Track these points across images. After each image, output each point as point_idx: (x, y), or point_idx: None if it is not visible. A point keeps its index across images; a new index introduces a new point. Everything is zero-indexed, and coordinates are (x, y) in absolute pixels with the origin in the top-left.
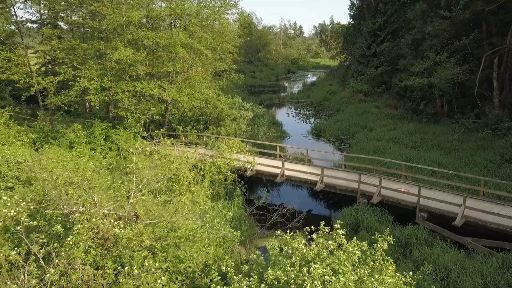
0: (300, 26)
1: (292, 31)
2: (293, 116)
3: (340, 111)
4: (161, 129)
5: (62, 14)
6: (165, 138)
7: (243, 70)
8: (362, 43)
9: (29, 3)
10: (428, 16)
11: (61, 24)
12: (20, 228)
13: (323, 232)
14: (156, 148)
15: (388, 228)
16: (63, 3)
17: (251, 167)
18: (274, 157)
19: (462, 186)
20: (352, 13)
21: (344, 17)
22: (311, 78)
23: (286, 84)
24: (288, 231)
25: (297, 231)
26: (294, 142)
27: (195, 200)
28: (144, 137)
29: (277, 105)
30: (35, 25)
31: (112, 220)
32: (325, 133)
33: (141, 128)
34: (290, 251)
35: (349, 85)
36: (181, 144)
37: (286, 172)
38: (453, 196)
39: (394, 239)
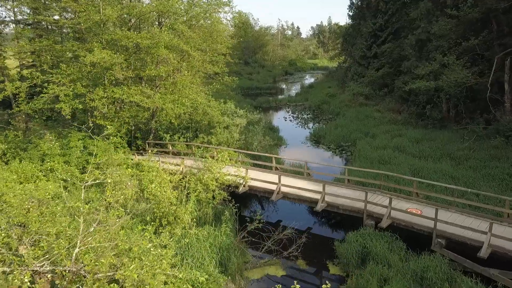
0: (298, 27)
1: (289, 32)
2: (290, 120)
3: (340, 115)
4: (149, 138)
5: (43, 14)
6: (151, 148)
7: (239, 72)
8: (362, 44)
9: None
10: (433, 15)
11: (43, 23)
12: None
13: None
14: (139, 159)
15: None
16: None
17: (244, 183)
18: (270, 170)
19: (483, 207)
20: (351, 13)
21: (341, 18)
22: (309, 79)
23: (284, 86)
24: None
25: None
26: (292, 149)
27: (173, 231)
28: (130, 145)
29: (274, 108)
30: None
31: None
32: (324, 139)
33: (124, 137)
34: None
35: (349, 87)
36: (168, 155)
37: (283, 189)
38: (474, 219)
39: (408, 273)
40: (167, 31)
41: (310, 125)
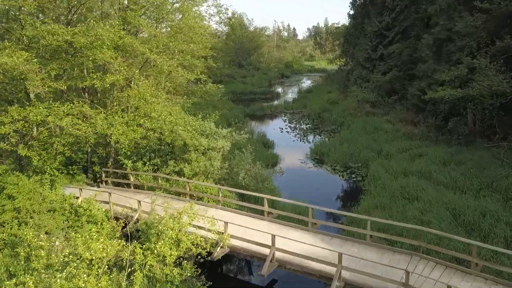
0: (294, 29)
1: (285, 33)
2: (287, 132)
3: (344, 126)
4: (108, 163)
5: None
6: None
7: (232, 75)
8: (367, 44)
9: None
10: (455, 10)
11: None
12: None
13: None
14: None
15: None
16: None
17: (222, 244)
18: (260, 215)
19: None
20: (352, 12)
21: (336, 20)
22: (306, 82)
23: (280, 90)
24: None
25: None
26: (290, 174)
27: None
28: (86, 172)
29: (269, 116)
30: None
31: None
32: (328, 158)
33: (79, 161)
34: None
35: (352, 93)
36: (129, 189)
37: (279, 255)
38: None
39: None
40: (115, 23)
41: (310, 137)
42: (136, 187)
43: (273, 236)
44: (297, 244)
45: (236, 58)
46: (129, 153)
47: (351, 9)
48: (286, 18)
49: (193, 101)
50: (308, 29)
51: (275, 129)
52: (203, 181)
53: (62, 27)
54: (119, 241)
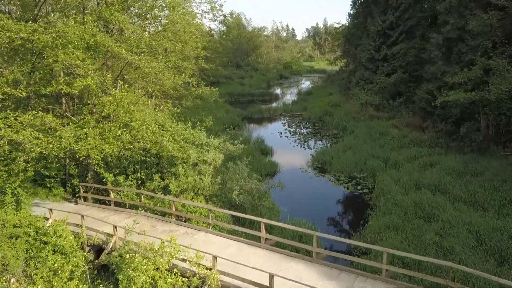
0: (293, 29)
1: (284, 34)
2: (287, 136)
3: (347, 131)
4: (87, 176)
5: None
6: (89, 194)
7: (230, 76)
8: (369, 44)
9: None
10: (466, 8)
11: None
12: None
13: None
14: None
15: None
16: None
17: (209, 282)
18: (257, 242)
19: None
20: (353, 12)
21: (335, 18)
22: (305, 84)
23: (279, 91)
24: None
25: None
26: (290, 181)
27: None
28: (64, 185)
29: (268, 119)
30: None
31: None
32: (331, 166)
33: (27, 189)
34: None
35: (355, 95)
36: (110, 206)
37: None
38: None
39: None
40: (91, 22)
41: (311, 143)
42: (118, 204)
43: (271, 276)
44: (299, 286)
45: (234, 58)
46: (99, 169)
47: (352, 8)
48: (281, 15)
49: (185, 106)
50: (307, 29)
51: (274, 133)
52: (192, 198)
53: (17, 23)
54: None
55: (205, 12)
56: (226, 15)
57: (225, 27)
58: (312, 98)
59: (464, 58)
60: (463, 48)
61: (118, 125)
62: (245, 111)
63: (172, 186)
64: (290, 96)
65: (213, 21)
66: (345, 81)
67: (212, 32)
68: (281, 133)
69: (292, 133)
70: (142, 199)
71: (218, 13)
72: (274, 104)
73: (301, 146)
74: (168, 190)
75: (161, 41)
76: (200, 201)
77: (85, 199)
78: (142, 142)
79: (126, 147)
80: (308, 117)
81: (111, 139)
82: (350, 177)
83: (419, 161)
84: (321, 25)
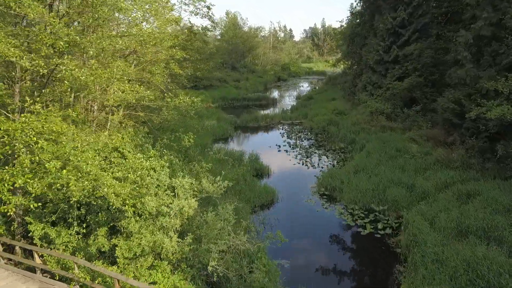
0: (291, 30)
1: (282, 34)
2: (286, 150)
3: (356, 145)
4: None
5: None
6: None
7: (224, 79)
8: (378, 44)
9: None
10: (503, 0)
11: None
12: None
13: None
14: None
15: None
16: None
17: None
18: None
19: None
20: (359, 7)
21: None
22: (304, 86)
23: (276, 95)
24: None
25: None
26: (290, 217)
27: None
28: None
29: (264, 128)
30: None
31: None
32: (341, 194)
33: None
34: None
35: (361, 101)
36: (35, 274)
37: None
38: None
39: None
40: None
41: (315, 159)
42: (46, 271)
43: None
44: None
45: (229, 60)
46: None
47: (357, 5)
48: (274, 9)
49: (160, 120)
50: (305, 30)
51: (271, 146)
52: (152, 264)
53: None
54: None
55: (185, 4)
56: (211, 6)
57: (212, 23)
58: (313, 103)
59: (502, 60)
60: (499, 48)
61: (23, 164)
62: (239, 118)
63: (119, 251)
64: (288, 100)
65: (195, 15)
66: (350, 84)
67: (195, 28)
68: (279, 146)
69: (292, 146)
70: (76, 269)
71: (200, 3)
72: (271, 110)
73: (303, 164)
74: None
75: (95, 36)
76: (163, 270)
77: (9, 260)
78: (65, 190)
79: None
80: (309, 126)
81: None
82: (366, 210)
83: (453, 190)
84: (319, 25)
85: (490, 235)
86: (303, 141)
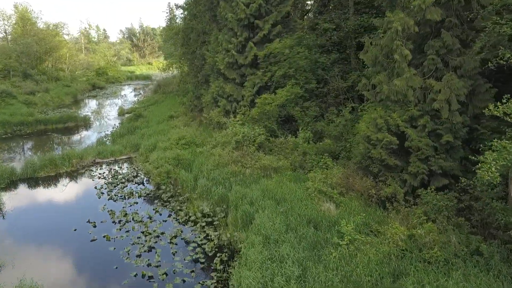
0: (105, 30)
1: (94, 34)
2: (107, 236)
3: (231, 207)
4: None
5: None
6: None
7: (9, 92)
8: (228, 41)
9: None
10: None
11: None
12: None
13: None
14: None
15: None
16: None
17: None
18: None
19: None
20: None
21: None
22: (128, 94)
23: (90, 110)
24: None
25: None
26: None
27: None
28: None
29: (68, 178)
30: None
31: None
32: None
33: None
34: None
35: (216, 124)
36: None
37: None
38: None
39: None
40: None
41: (166, 252)
42: None
43: None
44: None
45: (18, 65)
46: None
47: None
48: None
49: None
50: (121, 30)
51: (78, 229)
52: None
53: None
54: None
55: None
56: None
57: None
58: (145, 124)
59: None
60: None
61: None
62: (23, 162)
63: None
64: (108, 119)
65: None
66: (192, 97)
67: None
68: (95, 226)
69: (119, 222)
70: None
71: None
72: (83, 136)
73: (147, 278)
74: None
75: None
76: None
77: None
78: None
79: None
80: (145, 169)
81: None
82: None
83: None
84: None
85: None
86: (134, 195)
